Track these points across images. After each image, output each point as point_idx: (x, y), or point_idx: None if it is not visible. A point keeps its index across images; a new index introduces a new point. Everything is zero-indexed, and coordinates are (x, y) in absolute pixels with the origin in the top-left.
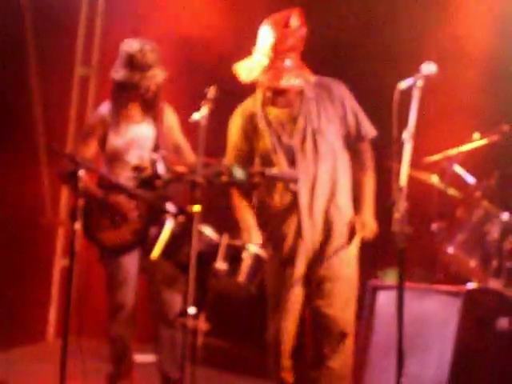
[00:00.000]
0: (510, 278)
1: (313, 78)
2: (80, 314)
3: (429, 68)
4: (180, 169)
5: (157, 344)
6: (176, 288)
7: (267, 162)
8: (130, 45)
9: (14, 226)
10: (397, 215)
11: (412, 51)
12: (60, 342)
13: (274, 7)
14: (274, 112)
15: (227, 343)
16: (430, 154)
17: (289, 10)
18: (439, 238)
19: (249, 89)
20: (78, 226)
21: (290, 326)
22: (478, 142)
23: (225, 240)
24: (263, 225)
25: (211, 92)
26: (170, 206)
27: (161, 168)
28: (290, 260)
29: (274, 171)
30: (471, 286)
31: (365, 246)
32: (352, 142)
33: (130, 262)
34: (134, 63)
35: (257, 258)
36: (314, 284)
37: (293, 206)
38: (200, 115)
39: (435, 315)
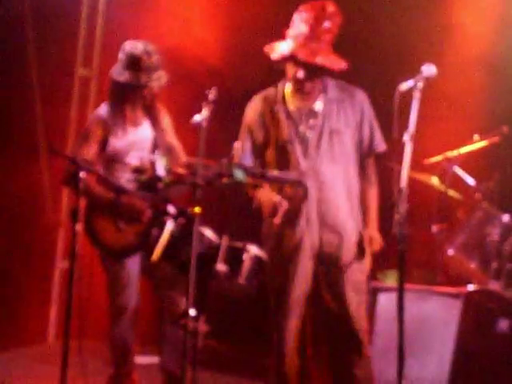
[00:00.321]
0: (510, 280)
1: (344, 64)
2: (81, 315)
3: (429, 69)
4: (180, 170)
5: (160, 343)
6: (177, 289)
7: (282, 152)
8: (135, 46)
9: (15, 227)
10: (397, 217)
11: (411, 52)
12: (60, 343)
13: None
14: (295, 103)
15: (227, 345)
16: (431, 155)
17: (322, 0)
18: (439, 239)
19: (240, 100)
20: (78, 227)
21: (293, 323)
22: (478, 143)
23: (225, 242)
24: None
25: (212, 94)
26: (171, 208)
27: (161, 170)
28: (294, 255)
29: (275, 173)
30: (471, 287)
31: None
32: (361, 155)
33: (133, 264)
34: (139, 65)
35: (257, 260)
36: (324, 284)
37: (301, 202)
38: (201, 117)
39: (435, 317)
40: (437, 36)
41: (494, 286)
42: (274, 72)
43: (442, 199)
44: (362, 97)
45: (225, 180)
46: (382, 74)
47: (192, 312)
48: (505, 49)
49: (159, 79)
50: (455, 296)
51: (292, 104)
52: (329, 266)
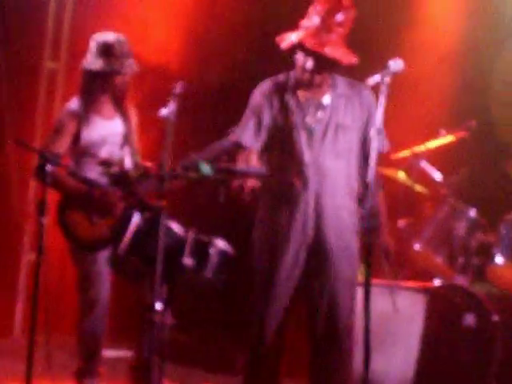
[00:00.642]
0: (476, 275)
1: (355, 59)
2: (47, 309)
3: (396, 64)
4: (148, 164)
5: (135, 334)
6: (143, 283)
7: (287, 139)
8: (106, 36)
9: None
10: (363, 211)
11: (380, 45)
12: (26, 337)
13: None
14: (305, 94)
15: (193, 338)
16: (397, 150)
17: None
18: (406, 234)
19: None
20: (45, 220)
21: (275, 309)
22: (445, 138)
23: (192, 235)
24: (264, 204)
25: (178, 87)
26: (139, 202)
27: (129, 163)
28: (284, 243)
29: (240, 167)
30: (438, 282)
31: None
32: (364, 154)
33: (103, 258)
34: (112, 52)
35: (224, 254)
36: (313, 277)
37: (300, 192)
38: (167, 111)
39: (402, 311)
40: (406, 32)
41: (461, 280)
42: (237, 73)
43: (409, 194)
44: (370, 96)
45: (191, 174)
46: (349, 69)
47: (158, 305)
48: (473, 42)
49: (131, 66)
50: (421, 291)
51: (301, 94)
52: (320, 260)
